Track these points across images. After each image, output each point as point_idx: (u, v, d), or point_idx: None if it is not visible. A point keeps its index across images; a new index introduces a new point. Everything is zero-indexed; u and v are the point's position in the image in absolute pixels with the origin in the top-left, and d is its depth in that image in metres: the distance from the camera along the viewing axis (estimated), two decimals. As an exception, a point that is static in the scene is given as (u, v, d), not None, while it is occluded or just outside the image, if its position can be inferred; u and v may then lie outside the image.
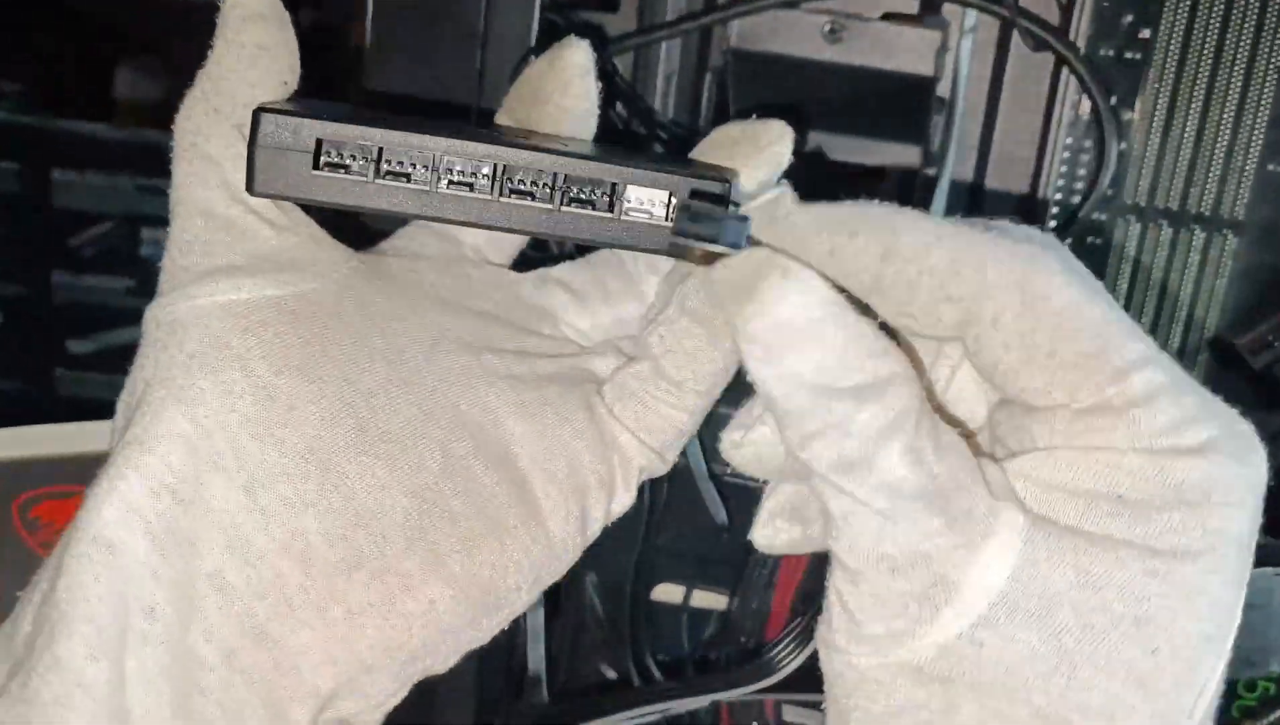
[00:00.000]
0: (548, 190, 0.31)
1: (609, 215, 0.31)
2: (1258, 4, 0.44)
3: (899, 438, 0.26)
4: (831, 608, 0.28)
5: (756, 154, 0.34)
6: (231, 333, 0.31)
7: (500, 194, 0.31)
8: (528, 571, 0.33)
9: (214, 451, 0.30)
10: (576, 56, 0.35)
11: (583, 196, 0.31)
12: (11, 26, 0.73)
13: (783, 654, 0.39)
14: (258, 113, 0.30)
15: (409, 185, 0.31)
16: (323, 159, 0.30)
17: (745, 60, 0.47)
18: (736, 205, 0.30)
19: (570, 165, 0.31)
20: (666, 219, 0.31)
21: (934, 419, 0.27)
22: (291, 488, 0.30)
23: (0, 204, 0.76)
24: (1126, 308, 0.47)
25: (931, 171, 0.47)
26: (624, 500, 0.35)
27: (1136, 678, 0.26)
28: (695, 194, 0.30)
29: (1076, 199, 0.47)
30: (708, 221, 0.29)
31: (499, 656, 0.51)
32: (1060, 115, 0.46)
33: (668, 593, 0.53)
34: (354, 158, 0.31)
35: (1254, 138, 0.46)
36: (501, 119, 0.36)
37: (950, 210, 0.48)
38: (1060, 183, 0.47)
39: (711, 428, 0.45)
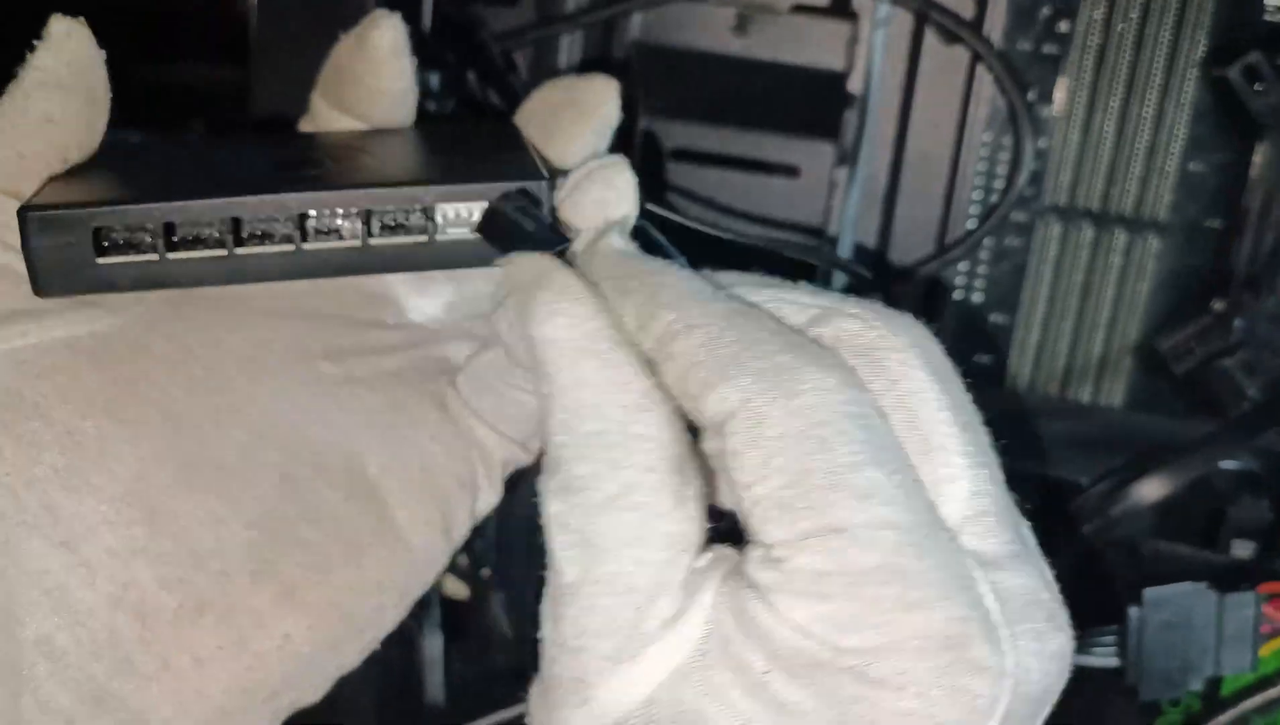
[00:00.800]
0: (354, 225, 0.29)
1: (423, 238, 0.29)
2: (1178, -4, 0.43)
3: (618, 512, 0.24)
4: None
5: (582, 121, 0.32)
6: (22, 381, 0.28)
7: (304, 240, 0.29)
8: (390, 589, 0.31)
9: (22, 511, 0.27)
10: (386, 35, 0.33)
11: (393, 223, 0.29)
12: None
13: None
14: (22, 213, 0.27)
15: (204, 252, 0.29)
16: (105, 245, 0.28)
17: (650, 54, 0.45)
18: (553, 209, 0.29)
19: (372, 197, 0.29)
20: (424, 233, 0.29)
21: (674, 497, 0.25)
22: (115, 536, 0.27)
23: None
24: (1049, 312, 0.46)
25: (844, 170, 0.45)
26: (489, 498, 0.33)
27: None
28: (506, 198, 0.29)
29: (996, 198, 0.45)
30: (515, 236, 0.28)
31: (398, 686, 0.49)
32: (976, 112, 0.44)
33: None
34: (140, 236, 0.28)
35: (1175, 135, 0.44)
36: (316, 104, 0.34)
37: (864, 210, 0.46)
38: (979, 181, 0.45)
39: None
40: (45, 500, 0.27)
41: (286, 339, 0.31)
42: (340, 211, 0.29)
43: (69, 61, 0.29)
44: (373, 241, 0.29)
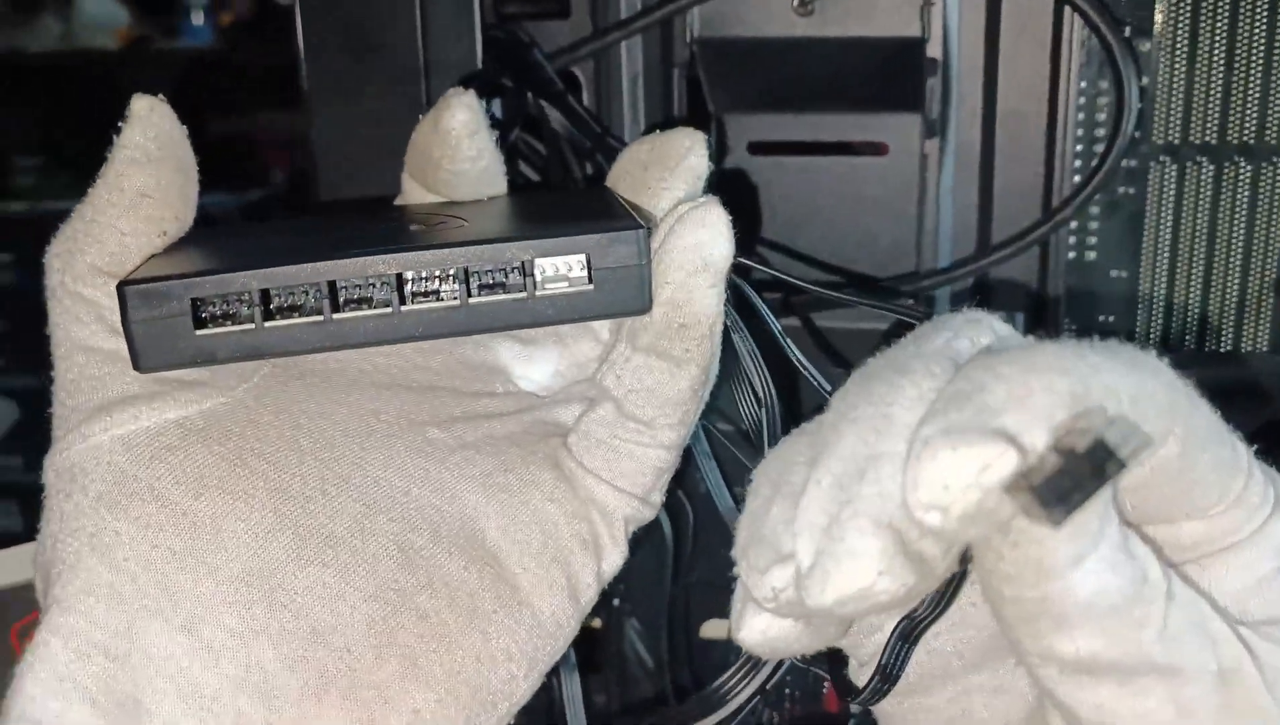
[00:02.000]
0: (453, 286, 0.29)
1: (523, 295, 0.29)
2: (1277, -100, 0.39)
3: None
4: None
5: (669, 175, 0.32)
6: (137, 464, 0.28)
7: (402, 303, 0.29)
8: (519, 658, 0.30)
9: (142, 595, 0.27)
10: (457, 117, 0.33)
11: (491, 282, 0.29)
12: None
13: (729, 685, 0.35)
14: (121, 288, 0.28)
15: (302, 320, 0.29)
16: (203, 316, 0.28)
17: (712, 49, 0.43)
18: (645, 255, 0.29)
19: (469, 255, 0.29)
20: (589, 281, 0.29)
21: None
22: (235, 616, 0.27)
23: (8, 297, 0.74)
24: (1174, 261, 0.43)
25: (934, 141, 0.43)
26: (614, 559, 0.32)
27: None
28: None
29: (1100, 148, 0.42)
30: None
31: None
32: (1069, 59, 0.41)
33: (717, 629, 0.49)
34: (237, 306, 0.28)
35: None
36: (407, 184, 0.35)
37: (960, 181, 0.43)
38: (1079, 133, 0.42)
39: (723, 449, 0.41)
40: (164, 583, 0.27)
41: (394, 409, 0.31)
42: (438, 272, 0.29)
43: (155, 136, 0.29)
44: (472, 301, 0.29)
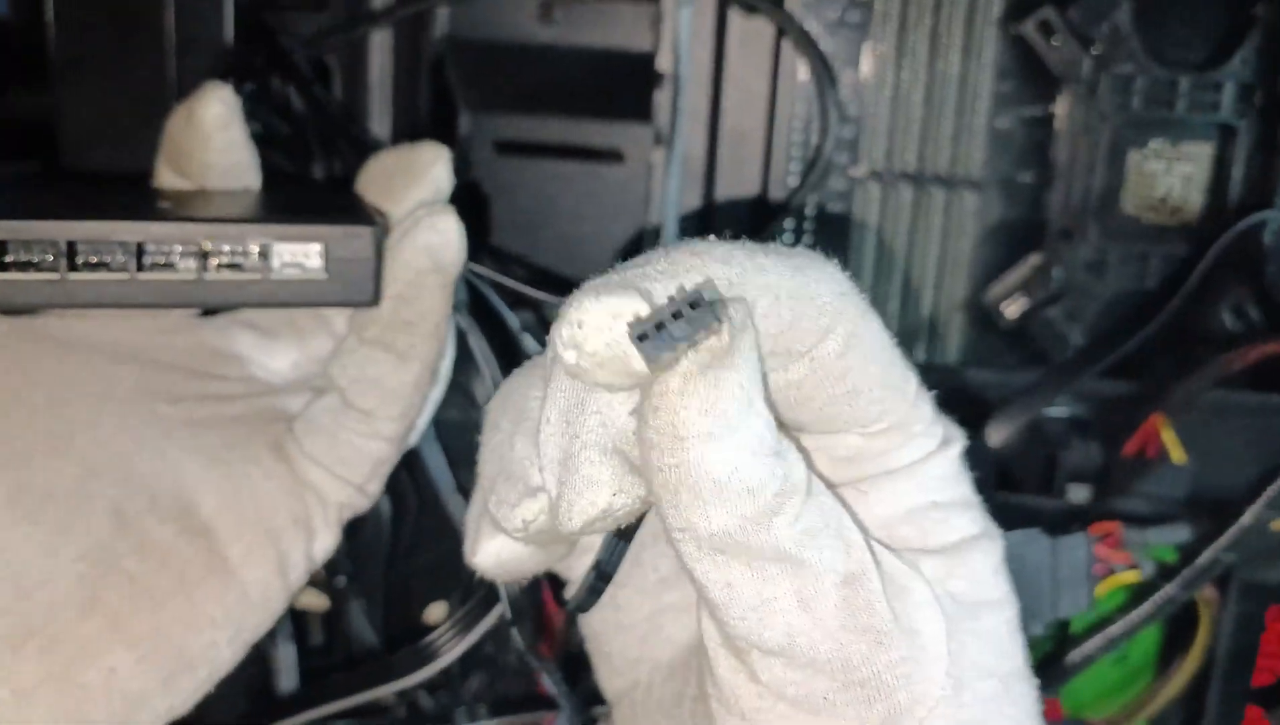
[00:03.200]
0: (190, 261, 0.30)
1: (258, 276, 0.30)
2: (970, -43, 0.44)
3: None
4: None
5: (413, 184, 0.33)
6: None
7: (139, 271, 0.30)
8: (224, 625, 0.31)
9: None
10: (211, 110, 0.34)
11: (230, 261, 0.30)
12: None
13: (441, 640, 0.37)
14: None
15: (35, 276, 0.29)
16: (7, 261, 0.29)
17: (461, 49, 0.45)
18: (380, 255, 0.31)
19: (208, 231, 0.30)
20: (323, 271, 0.30)
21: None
22: None
23: None
24: (876, 275, 0.46)
25: (661, 150, 0.45)
26: (326, 541, 0.34)
27: None
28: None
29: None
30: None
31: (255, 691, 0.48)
32: (786, 83, 0.45)
33: (440, 612, 0.50)
34: (42, 256, 0.29)
35: (980, 93, 0.45)
36: (161, 169, 0.35)
37: (686, 190, 0.46)
38: (797, 153, 0.46)
39: (454, 436, 0.43)
40: None
41: (130, 381, 0.31)
42: (179, 246, 0.30)
43: None
44: (208, 276, 0.30)
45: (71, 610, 0.28)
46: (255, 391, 0.33)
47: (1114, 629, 0.43)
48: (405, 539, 0.47)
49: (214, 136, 0.34)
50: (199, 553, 0.31)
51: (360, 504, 0.34)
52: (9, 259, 0.29)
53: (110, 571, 0.29)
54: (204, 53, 0.43)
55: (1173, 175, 0.45)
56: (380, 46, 0.45)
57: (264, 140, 0.44)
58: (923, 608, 0.24)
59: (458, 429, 0.42)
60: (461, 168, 0.46)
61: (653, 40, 0.44)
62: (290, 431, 0.33)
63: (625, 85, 0.45)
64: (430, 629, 0.50)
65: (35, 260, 0.29)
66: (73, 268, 0.29)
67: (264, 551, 0.32)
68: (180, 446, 0.31)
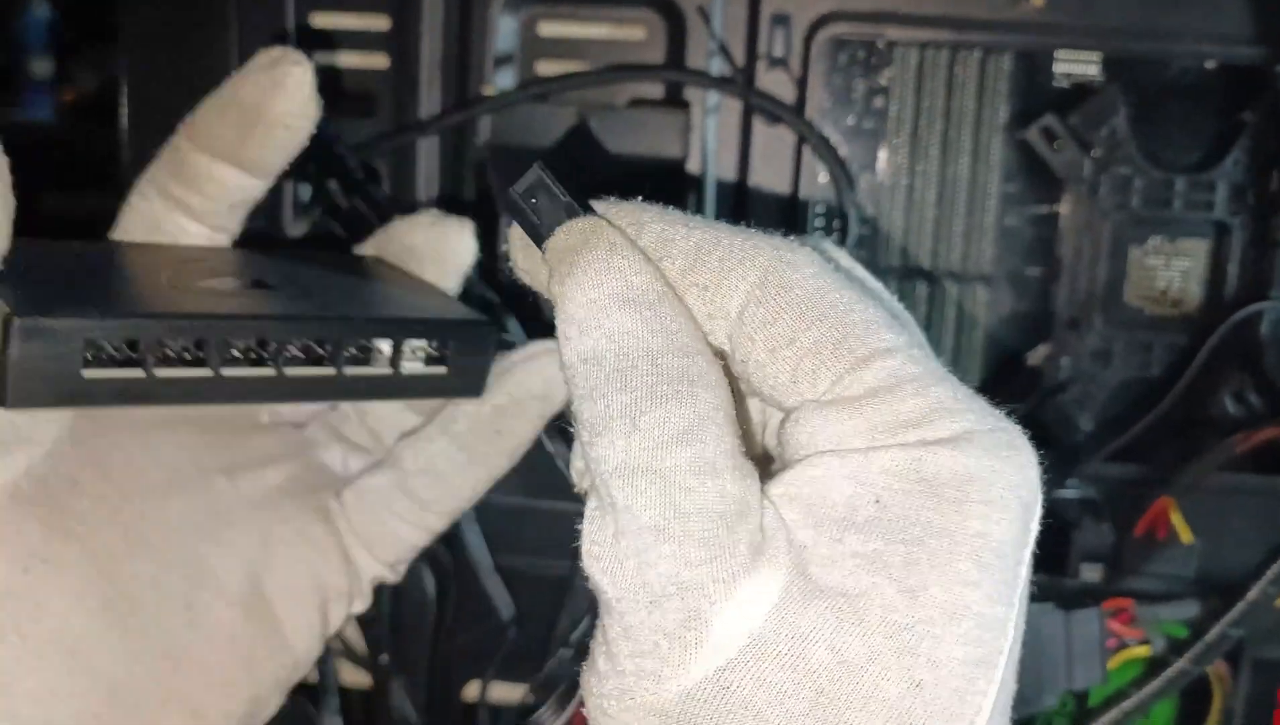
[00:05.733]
0: (328, 353, 0.31)
1: (389, 372, 0.31)
2: (976, 70, 0.47)
3: (692, 445, 0.23)
4: (594, 646, 0.25)
5: (443, 269, 0.36)
6: None
7: (280, 367, 0.30)
8: (277, 689, 0.34)
9: None
10: (301, 70, 0.32)
11: (362, 356, 0.31)
12: None
13: (544, 717, 0.38)
14: (9, 320, 0.26)
15: (190, 372, 0.29)
16: (90, 357, 0.27)
17: (500, 154, 0.48)
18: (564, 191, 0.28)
19: (346, 329, 0.30)
20: (444, 365, 0.32)
21: (736, 436, 0.24)
22: (38, 680, 0.29)
23: None
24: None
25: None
26: (359, 607, 0.36)
27: (899, 716, 0.22)
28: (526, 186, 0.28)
29: (834, 264, 0.48)
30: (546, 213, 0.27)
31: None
32: (807, 185, 0.48)
33: (477, 691, 0.52)
34: (127, 350, 0.28)
35: (989, 193, 0.48)
36: (186, 148, 0.33)
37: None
38: (816, 250, 0.49)
39: (493, 519, 0.45)
40: None
41: (187, 455, 0.33)
42: (318, 341, 0.30)
43: None
44: (346, 371, 0.31)
45: (155, 706, 0.31)
46: (291, 447, 0.35)
47: (1129, 703, 0.44)
48: (447, 618, 0.49)
49: (308, 105, 0.32)
50: (261, 631, 0.33)
51: (390, 580, 0.37)
52: (164, 354, 0.28)
53: (186, 664, 0.31)
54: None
55: (1172, 270, 0.48)
56: (427, 152, 0.48)
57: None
58: None
59: (496, 511, 0.44)
60: (505, 268, 0.49)
61: (682, 147, 0.47)
62: (338, 500, 0.35)
63: (654, 188, 0.48)
64: (469, 707, 0.52)
65: (187, 356, 0.28)
66: (225, 363, 0.29)
67: (312, 621, 0.34)
68: (239, 528, 0.33)
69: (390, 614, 0.50)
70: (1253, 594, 0.43)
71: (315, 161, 0.47)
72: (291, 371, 0.30)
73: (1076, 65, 0.47)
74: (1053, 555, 0.47)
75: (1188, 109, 0.47)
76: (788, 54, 0.47)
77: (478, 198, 0.49)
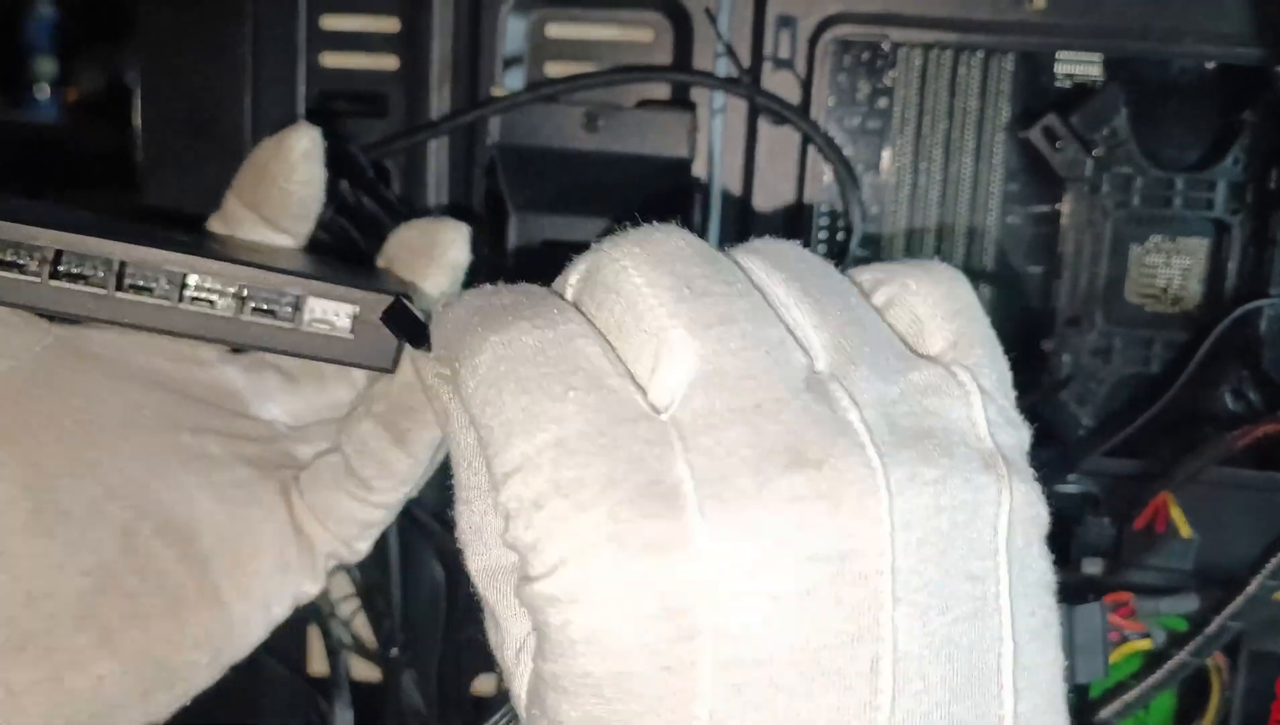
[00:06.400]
0: (230, 299, 0.32)
1: (289, 325, 0.33)
2: (979, 71, 0.48)
3: None
4: None
5: (434, 266, 0.36)
6: None
7: (180, 300, 0.32)
8: (205, 647, 0.34)
9: None
10: (302, 141, 0.36)
11: (264, 307, 0.33)
12: None
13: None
14: None
15: (86, 288, 0.31)
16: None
17: (511, 154, 0.49)
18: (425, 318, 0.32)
19: (250, 276, 0.32)
20: (351, 332, 0.33)
21: None
22: None
23: None
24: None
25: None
26: (310, 588, 0.37)
27: None
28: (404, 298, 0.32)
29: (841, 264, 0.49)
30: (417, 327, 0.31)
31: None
32: (813, 184, 0.48)
33: (489, 684, 0.53)
34: (27, 258, 0.31)
35: (991, 192, 0.48)
36: (230, 203, 0.37)
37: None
38: (821, 250, 0.49)
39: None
40: None
41: (158, 407, 0.34)
42: (221, 284, 0.32)
43: None
44: (243, 317, 0.32)
45: (69, 621, 0.31)
46: (271, 435, 0.36)
47: (1130, 695, 0.45)
48: (458, 611, 0.50)
49: (299, 167, 0.36)
50: (193, 580, 0.33)
51: (347, 558, 0.37)
52: (63, 268, 0.31)
53: (110, 588, 0.32)
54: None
55: (1172, 267, 0.48)
56: (437, 152, 0.49)
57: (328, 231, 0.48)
58: None
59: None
60: (514, 266, 0.50)
61: (689, 147, 0.48)
62: (296, 480, 0.36)
63: (661, 188, 0.49)
64: (480, 701, 0.53)
65: (87, 274, 0.31)
66: (119, 287, 0.32)
67: (252, 587, 0.35)
68: (194, 478, 0.34)
69: (400, 607, 0.50)
70: (1252, 587, 0.44)
71: (327, 161, 0.48)
72: (186, 307, 0.32)
73: (1078, 66, 0.48)
74: (1054, 549, 0.48)
75: (1187, 109, 0.47)
76: (793, 55, 0.47)
77: (487, 197, 0.49)
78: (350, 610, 0.50)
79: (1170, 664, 0.45)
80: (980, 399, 0.26)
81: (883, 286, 0.28)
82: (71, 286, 0.31)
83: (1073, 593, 0.45)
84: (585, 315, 0.25)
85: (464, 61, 0.49)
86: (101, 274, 0.32)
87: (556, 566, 0.22)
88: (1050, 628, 0.25)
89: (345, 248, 0.47)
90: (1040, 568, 0.25)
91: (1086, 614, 0.44)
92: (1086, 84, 0.48)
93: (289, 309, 0.33)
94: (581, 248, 0.50)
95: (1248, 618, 0.45)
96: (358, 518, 0.36)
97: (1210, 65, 0.47)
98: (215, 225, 0.38)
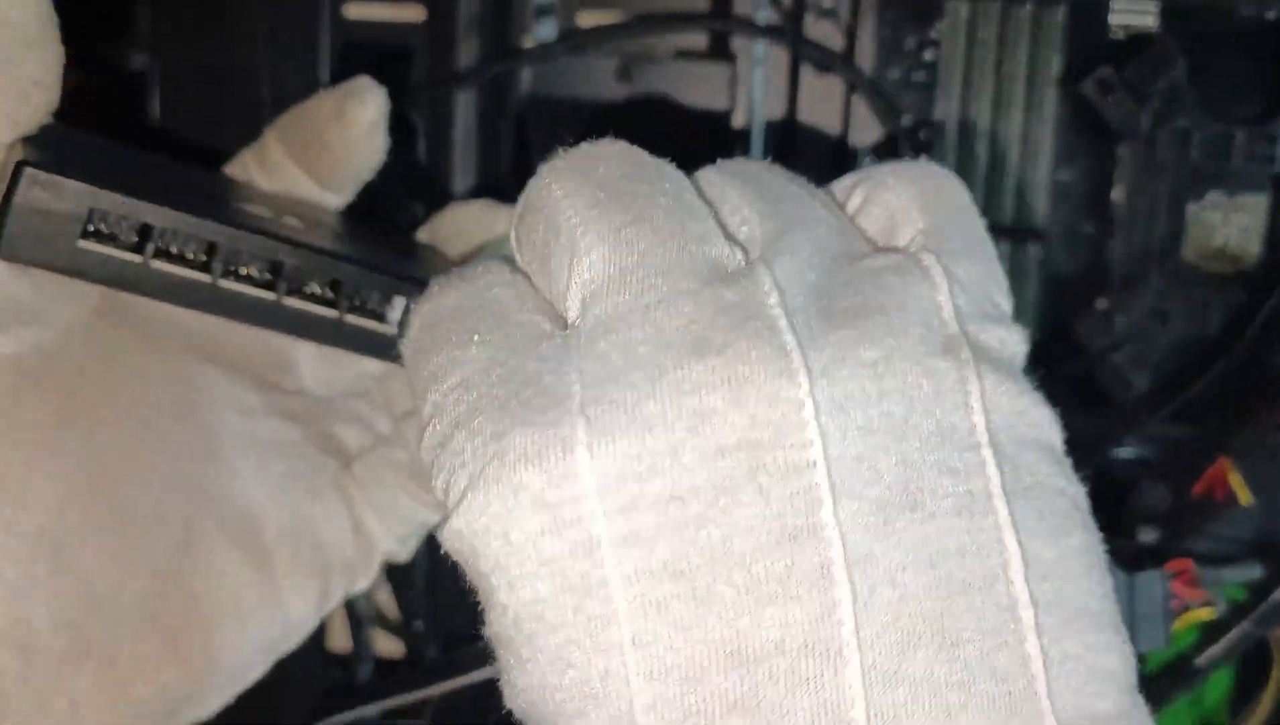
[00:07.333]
0: (327, 293, 0.30)
1: (381, 327, 0.31)
2: (1029, 21, 0.46)
3: None
4: None
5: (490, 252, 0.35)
6: None
7: (283, 296, 0.30)
8: (264, 649, 0.32)
9: None
10: (369, 112, 0.34)
11: (363, 306, 0.31)
12: None
13: None
14: (21, 168, 0.26)
15: (187, 272, 0.29)
16: (93, 229, 0.27)
17: (541, 107, 0.47)
18: None
19: (353, 272, 0.30)
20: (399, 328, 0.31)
21: None
22: (18, 571, 0.28)
23: None
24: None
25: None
26: (363, 584, 0.35)
27: None
28: None
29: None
30: None
31: None
32: (856, 139, 0.47)
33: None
34: (130, 233, 0.28)
35: (1042, 148, 0.47)
36: (274, 144, 0.34)
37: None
38: (864, 206, 0.47)
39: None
40: None
41: (205, 383, 0.32)
42: (318, 282, 0.30)
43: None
44: (346, 318, 0.30)
45: (134, 626, 0.29)
46: (311, 412, 0.34)
47: (1193, 665, 0.43)
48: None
49: (364, 141, 0.34)
50: (256, 579, 0.32)
51: (401, 557, 0.36)
52: (165, 247, 0.28)
53: (174, 590, 0.30)
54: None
55: (1230, 226, 0.46)
56: (465, 105, 0.47)
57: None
58: None
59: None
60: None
61: (729, 99, 0.46)
62: (350, 472, 0.34)
63: (698, 141, 0.47)
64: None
65: (190, 257, 0.29)
66: (225, 275, 0.29)
67: (312, 587, 0.33)
68: (250, 470, 0.32)
69: (425, 579, 0.48)
70: (1319, 554, 0.43)
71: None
72: (289, 302, 0.30)
73: (1133, 16, 0.46)
74: (1109, 515, 0.46)
75: (1246, 59, 0.46)
76: (837, 4, 0.45)
77: (515, 152, 0.47)
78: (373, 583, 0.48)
79: (1232, 635, 0.43)
80: (947, 284, 0.23)
81: (860, 186, 0.26)
82: (172, 269, 0.28)
83: (1128, 561, 0.43)
84: (520, 249, 0.24)
85: (492, 12, 0.47)
86: (204, 257, 0.29)
87: (460, 500, 0.21)
88: (1069, 535, 0.22)
89: (376, 208, 0.45)
90: (1043, 473, 0.22)
91: (1146, 581, 0.42)
92: (1142, 34, 0.46)
93: (382, 308, 0.31)
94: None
95: (1315, 587, 0.43)
96: (418, 519, 0.35)
97: (1271, 14, 0.45)
98: (252, 166, 0.35)
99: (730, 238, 0.23)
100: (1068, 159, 0.47)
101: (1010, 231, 0.47)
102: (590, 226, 0.22)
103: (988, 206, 0.47)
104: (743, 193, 0.24)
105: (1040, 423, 0.23)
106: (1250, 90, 0.46)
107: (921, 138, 0.47)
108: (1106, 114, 0.45)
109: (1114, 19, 0.46)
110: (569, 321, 0.22)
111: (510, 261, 0.25)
